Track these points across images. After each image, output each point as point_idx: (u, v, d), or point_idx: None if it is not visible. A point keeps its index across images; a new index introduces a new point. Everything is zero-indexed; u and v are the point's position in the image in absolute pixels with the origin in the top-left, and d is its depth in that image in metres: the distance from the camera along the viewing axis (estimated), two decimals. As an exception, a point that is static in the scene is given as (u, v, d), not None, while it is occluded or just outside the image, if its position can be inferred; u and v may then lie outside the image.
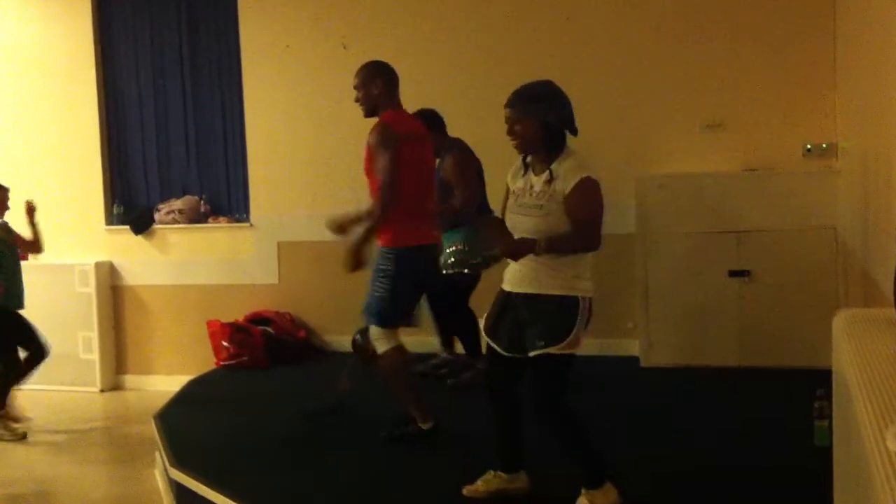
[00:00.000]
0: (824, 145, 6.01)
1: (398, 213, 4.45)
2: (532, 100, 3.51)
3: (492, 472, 3.80)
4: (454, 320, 5.70)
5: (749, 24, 6.17)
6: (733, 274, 5.85)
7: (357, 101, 4.67)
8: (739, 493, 3.83)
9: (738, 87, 6.19)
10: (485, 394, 3.76)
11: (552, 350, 3.42)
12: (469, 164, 5.51)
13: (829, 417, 3.42)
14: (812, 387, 4.06)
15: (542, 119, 3.48)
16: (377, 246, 4.54)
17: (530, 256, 3.46)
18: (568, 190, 3.42)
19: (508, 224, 3.60)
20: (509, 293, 3.59)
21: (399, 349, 4.53)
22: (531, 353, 3.47)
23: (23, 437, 5.96)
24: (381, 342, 4.50)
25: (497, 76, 6.35)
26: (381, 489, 4.13)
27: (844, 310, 2.43)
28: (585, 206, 3.43)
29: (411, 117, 4.76)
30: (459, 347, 5.82)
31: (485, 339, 3.77)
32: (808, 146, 6.03)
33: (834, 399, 2.40)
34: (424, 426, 4.55)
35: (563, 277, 3.45)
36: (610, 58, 6.37)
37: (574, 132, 3.56)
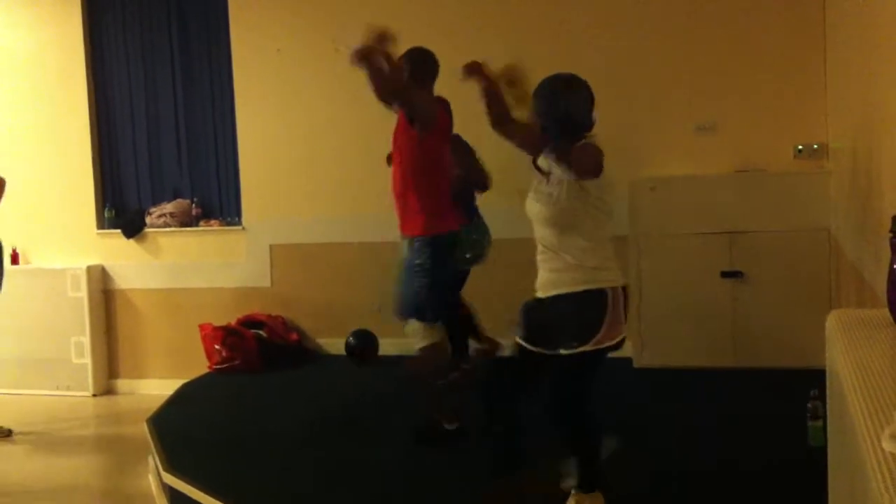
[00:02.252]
0: (815, 146, 6.03)
1: (430, 199, 4.44)
2: (537, 94, 3.55)
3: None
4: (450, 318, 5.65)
5: (740, 27, 6.18)
6: (726, 275, 5.86)
7: None
8: (734, 494, 3.84)
9: (729, 88, 6.21)
10: (490, 396, 3.67)
11: (585, 348, 3.37)
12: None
13: (823, 417, 3.43)
14: (805, 387, 4.07)
15: (541, 117, 3.51)
16: (407, 238, 4.47)
17: (551, 261, 3.46)
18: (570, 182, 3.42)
19: (527, 208, 3.57)
20: (541, 299, 3.55)
21: (437, 347, 4.49)
22: (564, 353, 3.41)
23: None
24: (420, 337, 4.43)
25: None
26: (380, 492, 4.12)
27: (837, 310, 2.43)
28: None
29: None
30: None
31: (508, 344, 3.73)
32: (799, 147, 6.05)
33: (828, 399, 2.40)
34: (449, 426, 4.53)
35: (585, 270, 3.41)
36: (602, 61, 6.36)
37: (586, 128, 3.54)
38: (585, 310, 3.40)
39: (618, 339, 3.43)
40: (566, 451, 3.61)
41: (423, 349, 4.48)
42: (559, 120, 3.49)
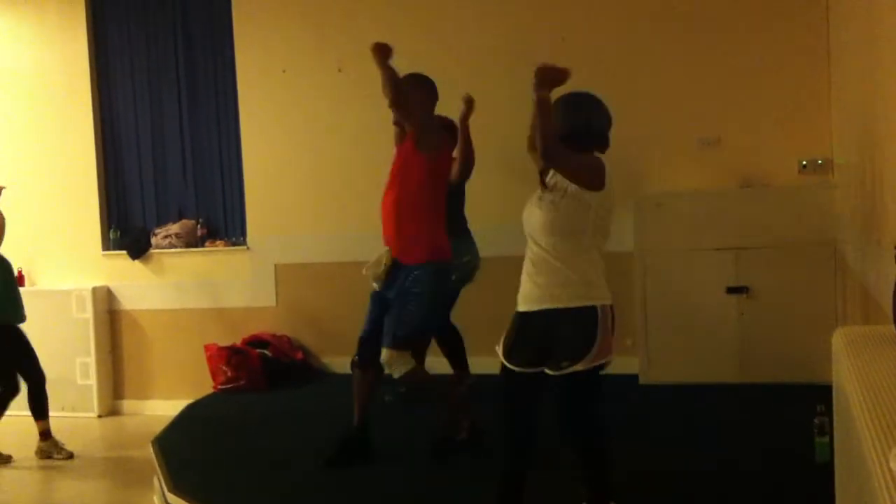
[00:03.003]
0: (819, 161, 6.02)
1: (438, 224, 4.47)
2: (556, 104, 3.58)
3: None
4: (443, 338, 5.63)
5: (744, 42, 6.19)
6: (731, 291, 5.85)
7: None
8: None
9: (733, 103, 6.21)
10: (503, 418, 3.61)
11: (578, 367, 3.37)
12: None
13: (830, 434, 3.41)
14: (812, 403, 4.05)
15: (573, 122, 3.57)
16: (397, 263, 4.46)
17: (543, 274, 3.46)
18: (574, 188, 3.46)
19: (524, 215, 3.59)
20: (524, 313, 3.54)
21: (417, 370, 4.46)
22: (556, 374, 3.41)
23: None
24: (397, 366, 4.35)
25: (492, 98, 6.36)
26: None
27: (844, 327, 2.42)
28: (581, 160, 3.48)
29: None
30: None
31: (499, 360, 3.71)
32: (804, 162, 6.04)
33: (834, 416, 2.39)
34: (458, 437, 4.54)
35: (576, 286, 3.42)
36: (605, 77, 6.34)
37: (598, 146, 3.60)
38: (578, 327, 3.40)
39: (610, 357, 3.43)
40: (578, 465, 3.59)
41: (405, 377, 4.41)
42: (588, 133, 3.58)
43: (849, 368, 1.96)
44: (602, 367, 3.44)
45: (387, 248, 4.59)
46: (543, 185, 3.58)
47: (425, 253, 4.42)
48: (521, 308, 3.55)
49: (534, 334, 3.50)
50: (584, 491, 3.53)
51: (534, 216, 3.52)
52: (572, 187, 3.45)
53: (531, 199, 3.60)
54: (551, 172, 3.56)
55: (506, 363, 3.56)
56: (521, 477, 3.58)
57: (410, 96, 4.47)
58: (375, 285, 4.62)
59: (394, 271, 4.51)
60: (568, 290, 3.42)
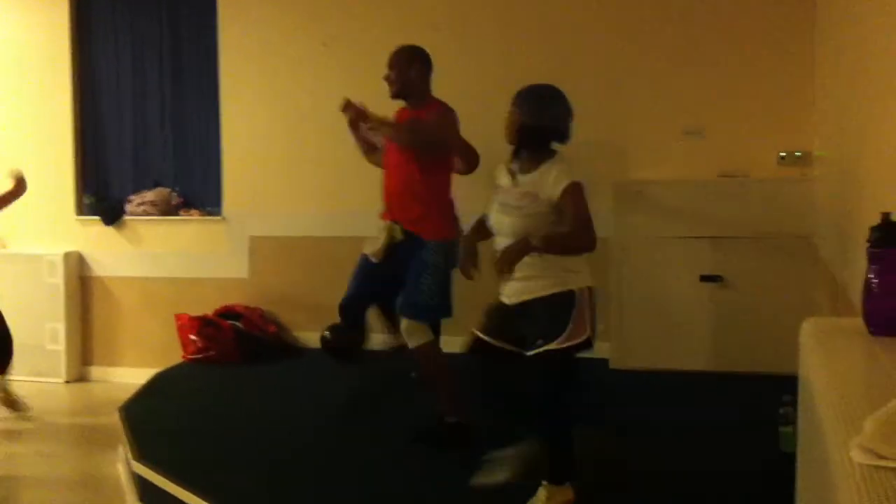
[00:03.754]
0: (797, 153, 6.03)
1: (445, 206, 4.53)
2: (523, 98, 3.62)
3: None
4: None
5: (727, 33, 6.18)
6: (705, 279, 5.86)
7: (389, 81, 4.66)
8: (703, 497, 3.83)
9: (716, 94, 6.21)
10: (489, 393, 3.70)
11: (551, 346, 3.44)
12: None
13: (795, 423, 3.42)
14: (780, 393, 4.07)
15: (525, 118, 3.58)
16: (422, 239, 4.48)
17: (524, 268, 3.48)
18: (557, 195, 3.49)
19: (492, 221, 3.64)
20: (507, 305, 3.63)
21: (433, 344, 4.52)
22: (530, 353, 3.48)
23: None
24: (415, 336, 4.43)
25: (476, 80, 6.35)
26: (349, 485, 4.09)
27: (812, 318, 2.43)
28: (579, 208, 3.49)
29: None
30: None
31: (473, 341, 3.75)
32: (782, 154, 6.06)
33: (799, 406, 2.39)
34: (450, 420, 4.47)
35: (555, 275, 3.50)
36: (590, 65, 6.36)
37: (560, 140, 3.62)
38: (553, 310, 3.48)
39: (584, 338, 3.49)
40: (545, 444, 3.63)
41: (419, 347, 4.47)
42: (541, 127, 3.59)
43: (815, 359, 1.96)
44: (576, 349, 3.47)
45: (388, 223, 4.59)
46: (511, 176, 3.63)
47: (442, 228, 4.51)
48: (505, 301, 3.64)
49: (511, 321, 3.59)
50: (545, 472, 3.58)
51: (504, 224, 3.56)
52: (543, 195, 3.51)
53: (494, 205, 3.64)
54: (522, 156, 3.59)
55: (479, 334, 3.65)
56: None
57: (416, 81, 4.57)
58: (373, 259, 4.62)
59: (394, 247, 4.56)
60: (547, 280, 3.50)
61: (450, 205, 4.69)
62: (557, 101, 3.65)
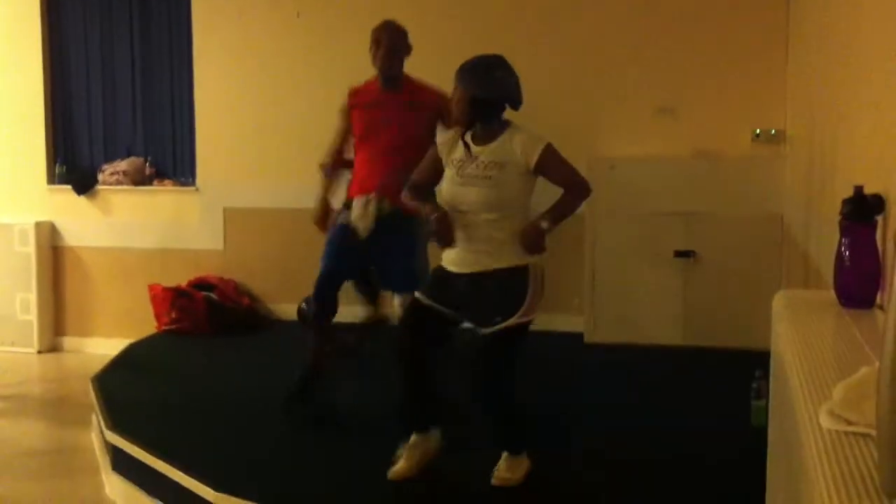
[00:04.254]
0: (773, 131, 6.07)
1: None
2: (467, 72, 3.57)
3: (404, 445, 3.75)
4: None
5: (702, 10, 6.19)
6: (679, 255, 5.90)
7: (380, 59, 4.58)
8: (674, 471, 3.87)
9: (689, 71, 6.22)
10: (398, 356, 3.66)
11: (510, 322, 3.44)
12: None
13: (767, 398, 3.46)
14: (752, 368, 4.12)
15: (474, 91, 3.52)
16: (399, 212, 4.36)
17: (477, 241, 3.49)
18: (534, 161, 3.48)
19: (447, 197, 3.58)
20: (451, 273, 3.58)
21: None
22: (487, 331, 3.47)
23: None
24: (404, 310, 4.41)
25: (448, 50, 6.27)
26: (317, 453, 4.10)
27: (784, 290, 2.45)
28: (563, 166, 3.55)
29: None
30: None
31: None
32: (757, 132, 6.09)
33: (771, 379, 2.41)
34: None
35: (509, 249, 3.48)
36: (564, 40, 6.36)
37: (514, 106, 3.59)
38: (510, 284, 3.47)
39: (532, 317, 3.50)
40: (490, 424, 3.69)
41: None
42: (492, 98, 3.55)
43: (786, 330, 1.98)
44: (525, 329, 3.51)
45: (373, 196, 4.53)
46: (465, 146, 3.58)
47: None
48: (450, 269, 3.59)
49: (456, 289, 3.56)
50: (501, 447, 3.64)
51: (468, 196, 3.50)
52: (511, 162, 3.48)
53: (453, 177, 3.57)
54: (479, 147, 3.56)
55: (418, 295, 3.64)
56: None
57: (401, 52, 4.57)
58: (362, 233, 4.56)
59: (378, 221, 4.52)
60: (502, 254, 3.49)
61: None
62: (502, 68, 3.58)
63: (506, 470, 3.61)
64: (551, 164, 3.51)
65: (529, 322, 3.51)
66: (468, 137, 3.58)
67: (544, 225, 3.48)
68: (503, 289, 3.48)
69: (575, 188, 3.58)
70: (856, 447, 1.20)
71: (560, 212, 3.54)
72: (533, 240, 3.48)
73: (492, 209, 3.49)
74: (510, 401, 3.60)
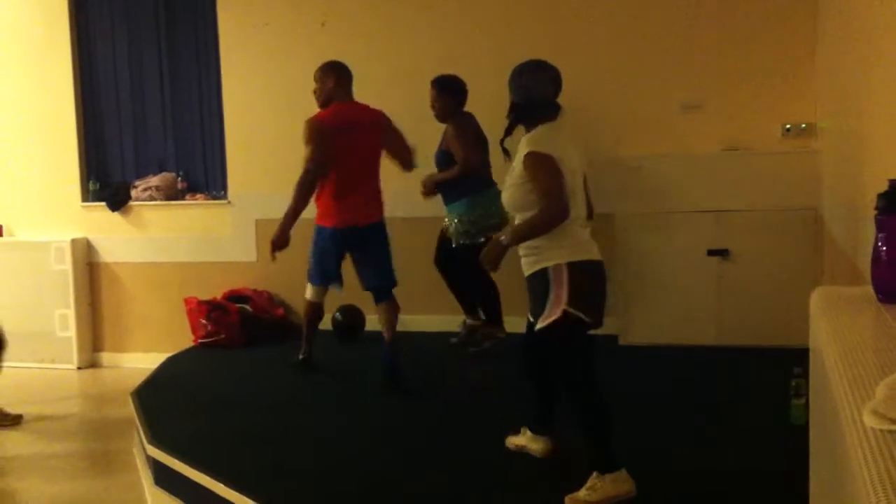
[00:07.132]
0: (803, 125, 6.02)
1: (328, 197, 5.30)
2: (510, 78, 3.63)
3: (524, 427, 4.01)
4: (471, 288, 5.92)
5: (729, 4, 6.15)
6: (712, 253, 5.86)
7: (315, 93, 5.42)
8: (714, 471, 3.84)
9: (717, 67, 6.19)
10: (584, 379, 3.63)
11: (539, 325, 3.49)
12: (467, 129, 5.61)
13: (806, 395, 3.43)
14: (789, 365, 4.08)
15: (512, 96, 3.61)
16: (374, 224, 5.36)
17: (521, 246, 3.54)
18: (521, 169, 3.47)
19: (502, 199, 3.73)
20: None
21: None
22: (535, 329, 3.57)
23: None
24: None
25: (476, 54, 6.34)
26: (359, 463, 4.11)
27: (821, 287, 2.43)
28: (536, 181, 3.42)
29: (352, 109, 5.32)
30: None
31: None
32: (787, 126, 6.04)
33: (810, 377, 2.40)
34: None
35: (532, 254, 3.53)
36: (591, 39, 6.35)
37: (545, 112, 3.58)
38: (537, 290, 3.53)
39: (559, 315, 3.42)
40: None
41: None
42: (532, 105, 3.56)
43: (825, 328, 1.96)
44: (559, 329, 3.44)
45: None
46: (504, 151, 3.73)
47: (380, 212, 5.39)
48: None
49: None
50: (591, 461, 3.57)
51: (504, 198, 3.63)
52: (518, 167, 3.51)
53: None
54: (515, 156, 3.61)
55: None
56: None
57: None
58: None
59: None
60: (529, 258, 3.55)
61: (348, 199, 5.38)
62: (527, 73, 3.58)
63: (585, 488, 3.49)
64: (530, 175, 3.43)
65: (565, 318, 3.42)
66: (507, 143, 3.66)
67: (503, 240, 3.49)
68: (534, 292, 3.57)
69: (543, 209, 3.40)
70: (900, 446, 1.19)
71: (521, 230, 3.49)
72: (493, 254, 3.51)
73: (512, 210, 3.61)
74: (589, 407, 3.53)
